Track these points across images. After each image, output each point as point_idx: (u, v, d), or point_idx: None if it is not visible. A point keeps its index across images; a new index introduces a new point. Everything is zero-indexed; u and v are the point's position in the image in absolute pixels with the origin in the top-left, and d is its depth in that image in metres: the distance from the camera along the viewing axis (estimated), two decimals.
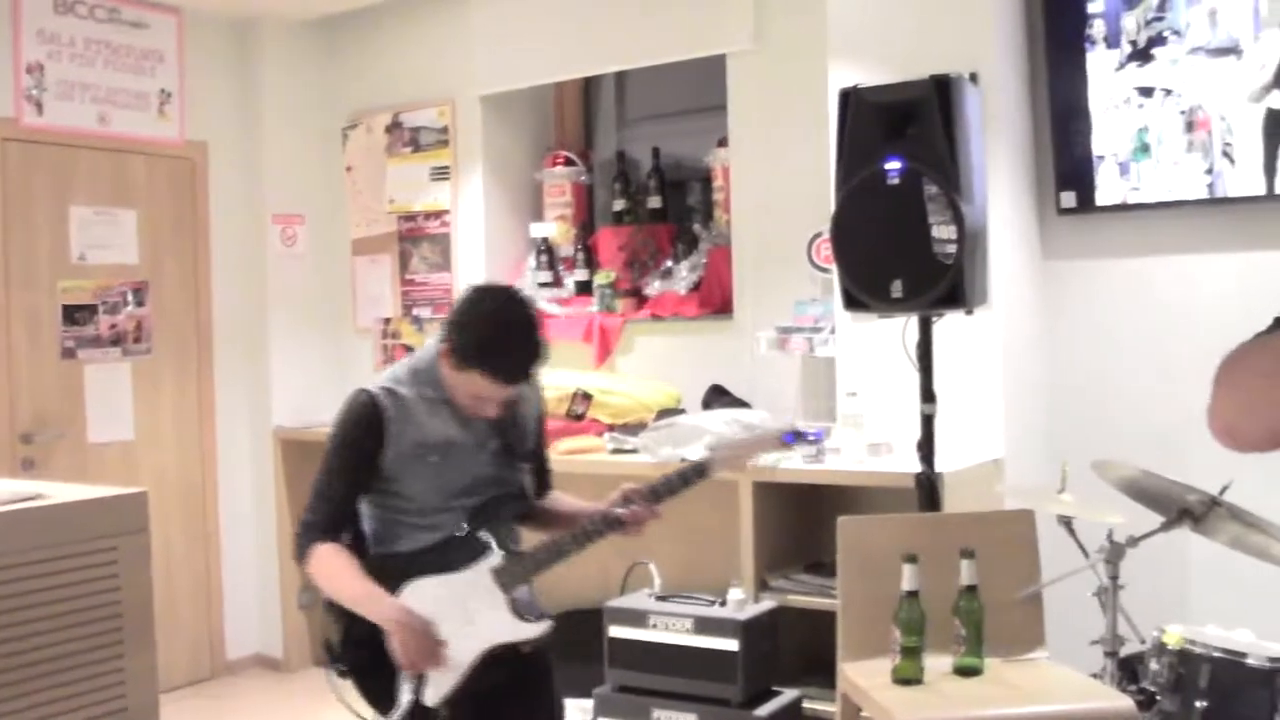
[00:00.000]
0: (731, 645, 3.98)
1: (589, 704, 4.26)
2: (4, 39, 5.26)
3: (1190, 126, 4.08)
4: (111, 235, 5.68)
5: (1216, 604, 3.96)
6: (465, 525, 2.98)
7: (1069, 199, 4.34)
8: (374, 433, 2.90)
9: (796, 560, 4.40)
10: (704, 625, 4.04)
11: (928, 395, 3.68)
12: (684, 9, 5.16)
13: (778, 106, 4.93)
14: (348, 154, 6.35)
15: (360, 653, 2.93)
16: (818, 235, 4.66)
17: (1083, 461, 3.44)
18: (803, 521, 4.46)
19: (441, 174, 6.00)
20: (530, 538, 3.12)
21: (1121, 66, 4.18)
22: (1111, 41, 4.19)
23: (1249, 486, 3.04)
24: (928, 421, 3.69)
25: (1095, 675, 3.27)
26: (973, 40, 4.16)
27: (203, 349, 6.06)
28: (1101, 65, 4.22)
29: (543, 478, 3.27)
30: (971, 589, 3.18)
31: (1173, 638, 3.22)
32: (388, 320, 6.20)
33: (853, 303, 3.74)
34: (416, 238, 6.11)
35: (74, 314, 5.53)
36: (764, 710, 3.97)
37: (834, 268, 3.81)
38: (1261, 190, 3.96)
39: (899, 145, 3.56)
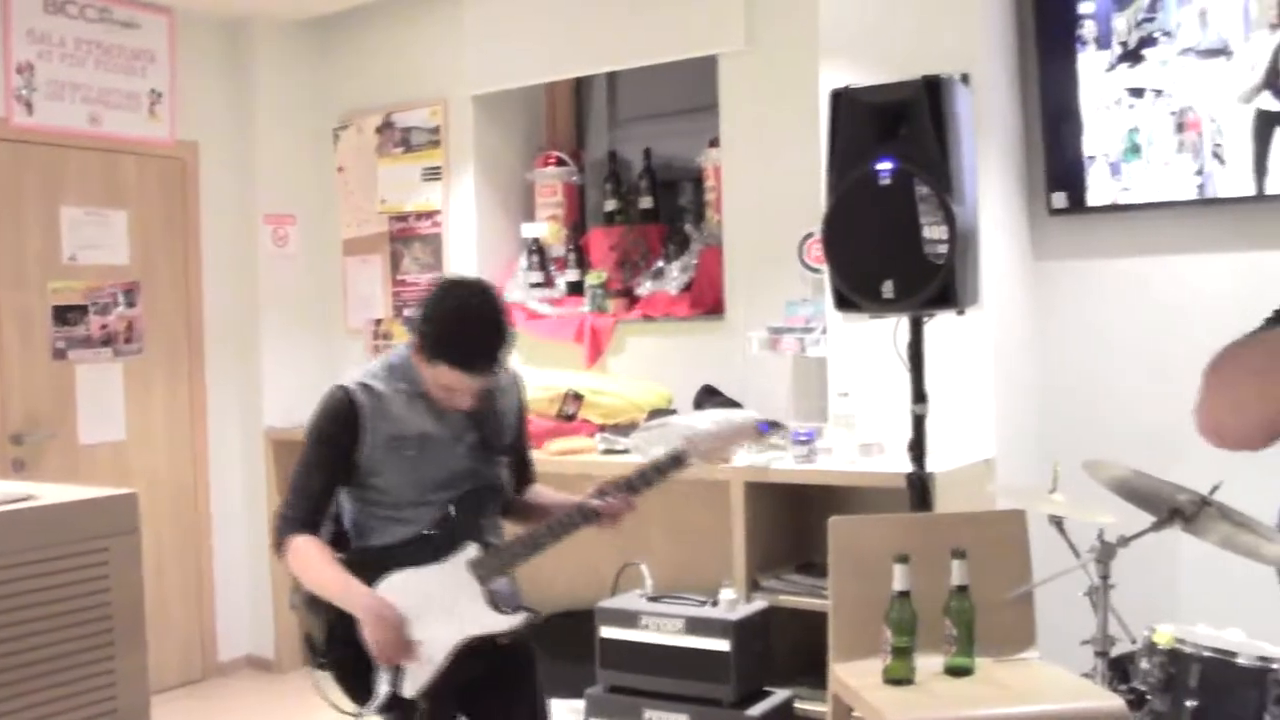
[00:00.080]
0: (723, 645, 3.98)
1: (581, 705, 4.26)
2: None
3: (1181, 127, 4.09)
4: (102, 235, 5.67)
5: (1207, 604, 3.96)
6: (443, 518, 3.01)
7: (1060, 199, 4.35)
8: (349, 428, 2.95)
9: (788, 560, 4.40)
10: (696, 625, 4.04)
11: (919, 395, 3.69)
12: (675, 9, 5.16)
13: (769, 107, 4.93)
14: (339, 154, 6.35)
15: (339, 646, 2.97)
16: (809, 235, 4.66)
17: (1074, 461, 3.45)
18: (794, 522, 4.47)
19: (433, 174, 6.00)
20: (511, 531, 3.15)
21: (1112, 67, 4.19)
22: (1102, 42, 4.20)
23: (1239, 486, 3.04)
24: (919, 422, 3.69)
25: (1086, 675, 3.28)
26: (964, 41, 4.17)
27: (194, 349, 6.05)
28: (1092, 66, 4.23)
29: (524, 472, 3.32)
30: (963, 589, 3.19)
31: (1163, 637, 3.23)
32: (379, 321, 6.19)
33: (844, 303, 3.74)
34: (408, 238, 6.10)
35: (65, 314, 5.52)
36: (756, 710, 3.97)
37: (825, 268, 3.81)
38: (1251, 191, 3.97)
39: (890, 146, 3.56)
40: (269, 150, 6.24)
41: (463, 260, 5.86)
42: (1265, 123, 3.93)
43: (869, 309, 3.68)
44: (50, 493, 2.77)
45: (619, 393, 5.05)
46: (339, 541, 3.06)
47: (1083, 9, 4.23)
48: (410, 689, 2.92)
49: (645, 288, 5.40)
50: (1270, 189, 3.94)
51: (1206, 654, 3.14)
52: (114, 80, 5.65)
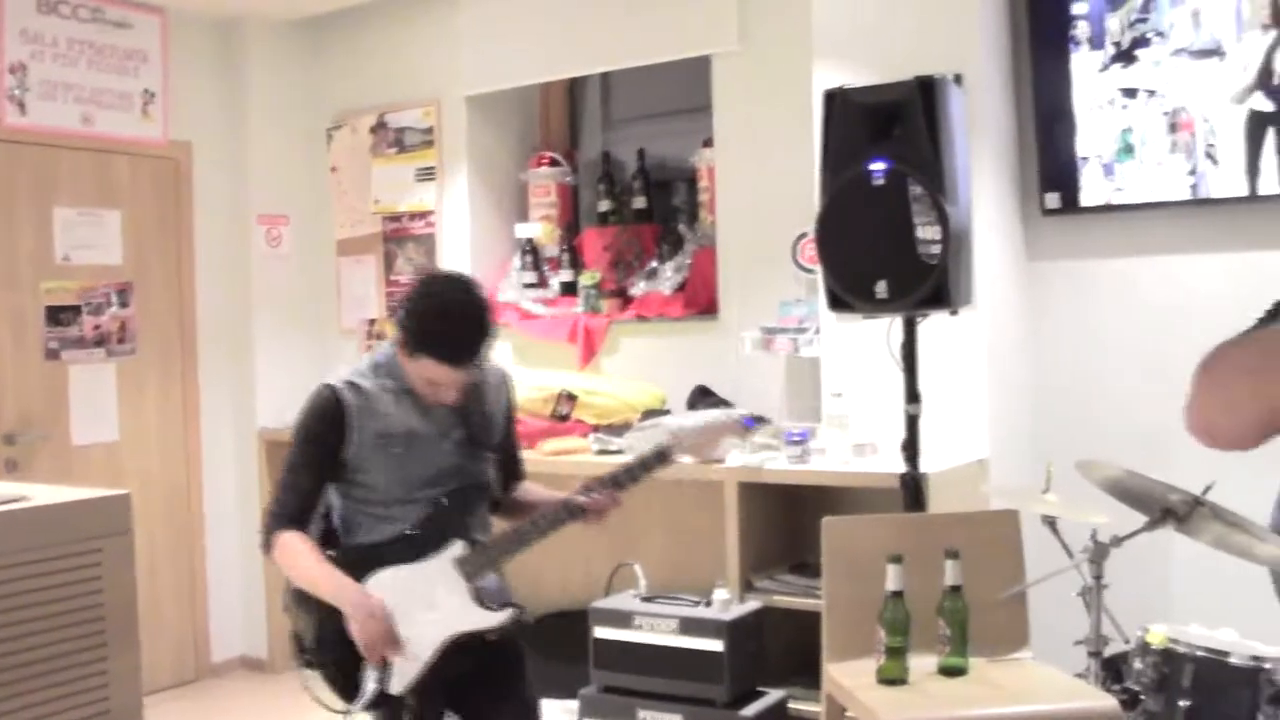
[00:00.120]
0: (717, 646, 3.98)
1: (574, 705, 4.26)
2: None
3: (1174, 128, 4.09)
4: (95, 236, 5.66)
5: (1200, 603, 3.97)
6: (430, 515, 3.03)
7: (1053, 200, 4.35)
8: (336, 426, 2.98)
9: (782, 561, 4.40)
10: (689, 626, 4.04)
11: (912, 396, 3.69)
12: (669, 10, 5.16)
13: (763, 107, 4.93)
14: (332, 154, 6.34)
15: (327, 644, 2.99)
16: (803, 236, 4.66)
17: (1067, 462, 3.45)
18: (788, 522, 4.47)
19: (426, 174, 5.99)
20: (501, 528, 3.17)
21: (1105, 68, 4.20)
22: (1095, 43, 4.21)
23: (1232, 486, 3.04)
24: (912, 422, 3.69)
25: (1079, 675, 3.28)
26: (957, 41, 4.17)
27: (187, 350, 6.04)
28: (1085, 66, 4.23)
29: (514, 469, 3.35)
30: (956, 589, 3.19)
31: (1156, 637, 3.23)
32: (373, 321, 6.18)
33: (837, 303, 3.74)
34: (401, 238, 6.10)
35: (58, 315, 5.51)
36: (749, 710, 3.98)
37: (819, 268, 3.80)
38: (1244, 191, 3.98)
39: (884, 146, 3.56)
40: (262, 150, 6.23)
41: (457, 260, 5.85)
42: (1258, 123, 3.94)
43: (862, 309, 3.69)
44: (43, 494, 2.77)
45: (613, 393, 5.06)
46: (329, 539, 3.09)
47: (1076, 10, 4.23)
48: (397, 686, 2.94)
49: (639, 288, 5.40)
50: (1263, 189, 3.95)
51: (1199, 654, 3.14)
52: (107, 80, 5.64)
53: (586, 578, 4.82)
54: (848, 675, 3.26)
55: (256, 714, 5.58)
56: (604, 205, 5.74)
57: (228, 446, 6.21)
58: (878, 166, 3.53)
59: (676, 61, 5.24)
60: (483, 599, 3.03)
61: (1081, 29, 4.23)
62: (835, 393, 4.32)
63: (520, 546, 3.06)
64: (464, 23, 5.81)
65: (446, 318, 2.92)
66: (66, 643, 2.62)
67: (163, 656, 5.78)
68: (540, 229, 5.79)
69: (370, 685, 2.93)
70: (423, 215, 6.01)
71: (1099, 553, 3.20)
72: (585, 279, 5.46)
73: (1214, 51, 3.99)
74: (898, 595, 3.14)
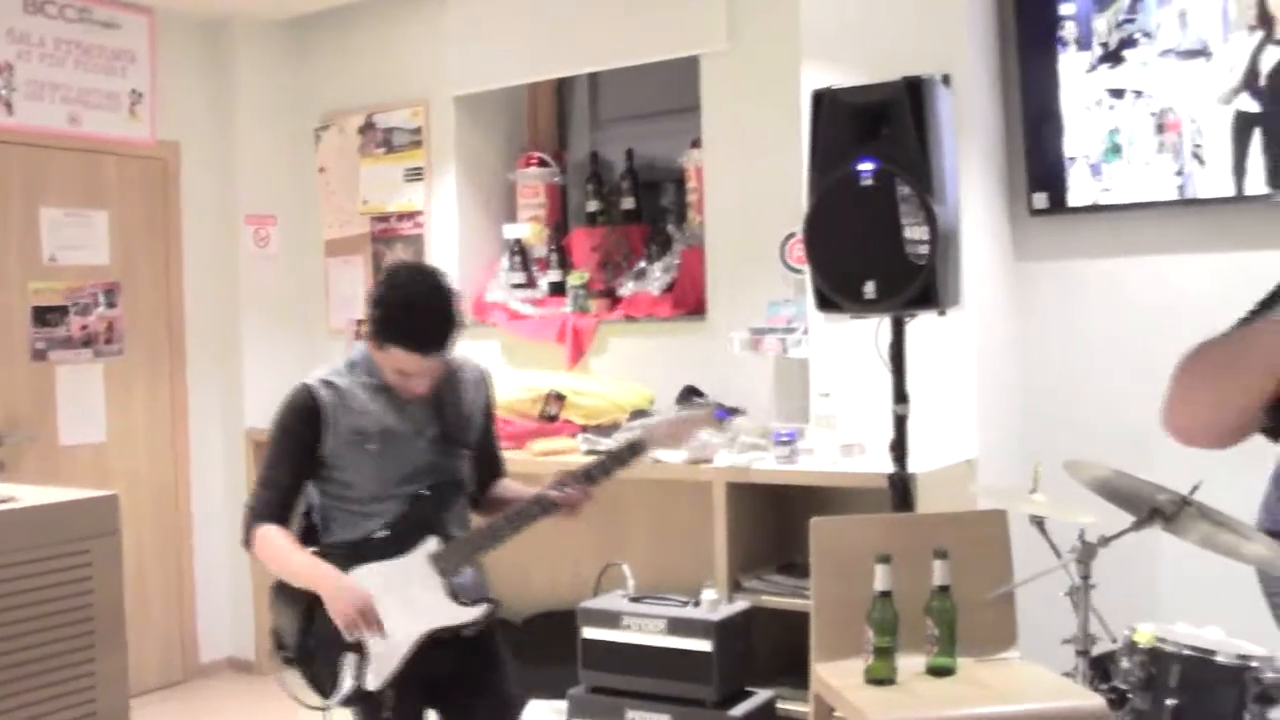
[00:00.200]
0: (705, 646, 3.98)
1: (563, 705, 4.26)
2: None
3: (1161, 128, 4.10)
4: (83, 236, 5.64)
5: (1187, 602, 3.98)
6: (406, 512, 3.06)
7: (1041, 200, 4.36)
8: (312, 423, 3.04)
9: (770, 561, 4.40)
10: (678, 626, 4.04)
11: (900, 396, 3.69)
12: (657, 10, 5.16)
13: (751, 107, 4.93)
14: (320, 155, 6.33)
15: (305, 640, 3.03)
16: (791, 236, 4.66)
17: (1055, 462, 3.45)
18: (776, 522, 4.47)
19: (415, 175, 5.99)
20: (477, 524, 3.20)
21: (1093, 68, 4.21)
22: (1083, 43, 4.22)
23: (1219, 486, 3.05)
24: (900, 422, 3.69)
25: (1067, 674, 3.29)
26: (945, 42, 4.18)
27: (175, 350, 6.03)
28: (1073, 67, 4.24)
29: (494, 467, 3.38)
30: (944, 589, 3.19)
31: (1144, 636, 3.24)
32: (360, 321, 6.16)
33: (826, 303, 3.74)
34: (390, 239, 6.09)
35: (45, 315, 5.49)
36: (738, 710, 3.98)
37: (807, 268, 3.81)
38: (1231, 191, 3.99)
39: (872, 146, 3.56)
40: (250, 150, 6.22)
41: (444, 261, 5.84)
42: (1244, 124, 3.95)
43: (850, 309, 3.69)
44: (30, 494, 2.76)
45: (601, 393, 5.05)
46: (309, 537, 3.13)
47: (1063, 10, 4.24)
48: (374, 681, 2.96)
49: (627, 288, 5.39)
50: (1249, 189, 3.96)
51: (1186, 653, 3.15)
52: (94, 80, 5.63)
53: (575, 578, 4.81)
54: (836, 675, 3.26)
55: (244, 715, 5.57)
56: (592, 205, 5.73)
57: (216, 447, 6.20)
58: (866, 166, 3.53)
59: (665, 62, 5.24)
60: (458, 594, 3.06)
61: (1069, 29, 4.24)
62: (823, 393, 4.32)
63: (494, 542, 3.08)
64: (452, 23, 5.81)
65: (411, 307, 2.96)
66: (54, 644, 2.62)
67: (150, 657, 5.77)
68: (528, 229, 5.79)
69: (347, 681, 2.93)
70: (411, 215, 6.01)
71: (1086, 552, 3.20)
72: (573, 279, 5.46)
73: (1201, 52, 4.00)
74: (886, 595, 3.15)
